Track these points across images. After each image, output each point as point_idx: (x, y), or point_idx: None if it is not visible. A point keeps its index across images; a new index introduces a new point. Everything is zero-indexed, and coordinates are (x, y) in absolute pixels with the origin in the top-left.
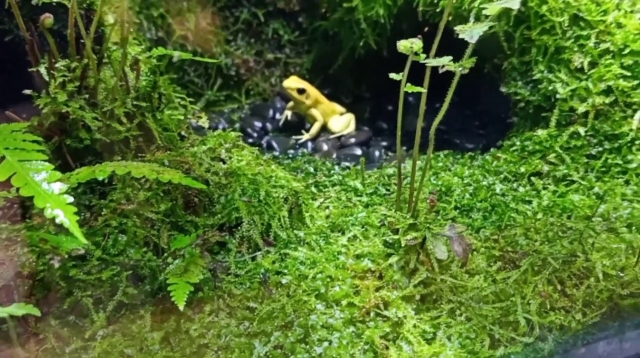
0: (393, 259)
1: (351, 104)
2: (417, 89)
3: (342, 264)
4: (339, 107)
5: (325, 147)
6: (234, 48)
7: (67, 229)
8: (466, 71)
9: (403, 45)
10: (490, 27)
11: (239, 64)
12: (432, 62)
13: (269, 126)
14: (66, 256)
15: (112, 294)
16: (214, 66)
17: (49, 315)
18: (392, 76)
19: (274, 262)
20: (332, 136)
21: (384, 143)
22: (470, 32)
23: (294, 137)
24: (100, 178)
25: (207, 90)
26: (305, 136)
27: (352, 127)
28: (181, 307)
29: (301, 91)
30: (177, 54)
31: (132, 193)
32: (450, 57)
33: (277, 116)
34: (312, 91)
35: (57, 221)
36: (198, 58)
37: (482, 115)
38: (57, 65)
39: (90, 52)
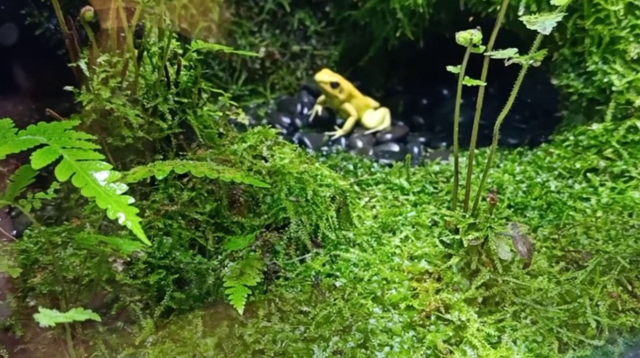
0: (453, 260)
1: (383, 98)
2: (477, 82)
3: (397, 266)
4: (372, 102)
5: (360, 143)
6: (259, 40)
7: (113, 230)
8: (538, 64)
9: (462, 36)
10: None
11: (264, 56)
12: (497, 54)
13: (297, 121)
14: (128, 259)
15: (159, 299)
16: (238, 58)
17: (95, 321)
18: (450, 68)
19: (324, 264)
20: (366, 132)
21: (422, 139)
22: (543, 24)
23: (327, 133)
24: (159, 178)
25: (231, 84)
26: (339, 132)
27: (387, 122)
28: (241, 311)
29: (335, 85)
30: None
31: (175, 194)
32: (516, 50)
33: (305, 111)
34: (346, 85)
35: (120, 222)
36: (241, 52)
37: (523, 108)
38: (99, 60)
39: (132, 46)
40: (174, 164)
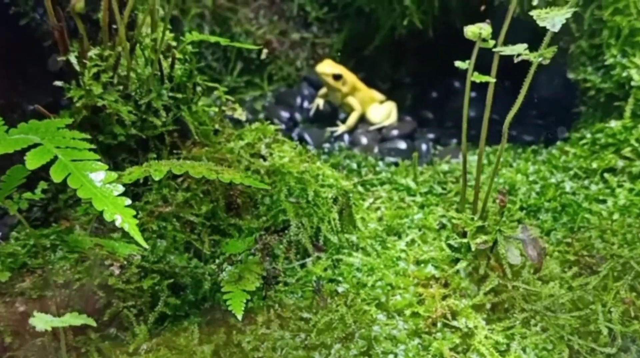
0: (461, 265)
1: (389, 90)
2: (486, 78)
3: (402, 271)
4: (378, 95)
5: (364, 140)
6: (256, 27)
7: (104, 233)
8: (547, 62)
9: (471, 31)
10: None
11: (261, 45)
12: (506, 50)
13: (297, 116)
14: (125, 263)
15: (153, 305)
16: (233, 48)
17: (87, 327)
18: (458, 64)
19: (326, 269)
20: (371, 128)
21: (431, 135)
22: (552, 20)
23: (329, 129)
24: (156, 178)
25: (226, 75)
26: (342, 128)
27: (393, 117)
28: (240, 317)
29: (337, 77)
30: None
31: (169, 194)
32: (526, 46)
33: (306, 104)
34: (349, 77)
35: (117, 224)
36: (238, 44)
37: (540, 103)
38: (90, 54)
39: (124, 38)
40: (171, 164)
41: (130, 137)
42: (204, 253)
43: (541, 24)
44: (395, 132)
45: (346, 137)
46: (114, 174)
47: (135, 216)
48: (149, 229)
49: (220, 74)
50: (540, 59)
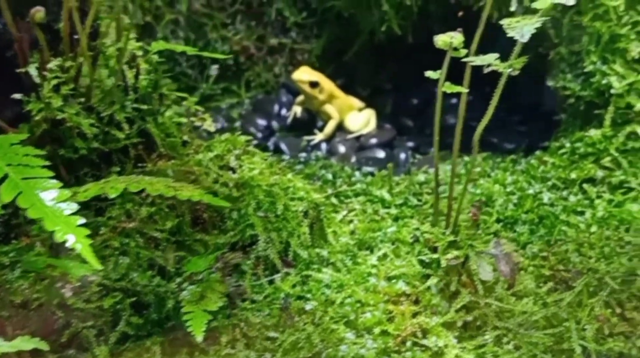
0: (431, 281)
1: (369, 97)
2: (457, 88)
3: (373, 287)
4: (357, 102)
5: (342, 149)
6: (232, 33)
7: (67, 252)
8: (516, 73)
9: (441, 40)
10: None
11: (238, 51)
12: (476, 61)
13: (274, 124)
14: (78, 284)
15: (115, 324)
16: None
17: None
18: (429, 74)
19: (294, 285)
20: (349, 136)
21: (410, 143)
22: (521, 30)
23: (305, 137)
24: (112, 196)
25: (201, 83)
26: (319, 136)
27: (372, 125)
28: (200, 338)
29: (314, 84)
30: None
31: (133, 209)
32: (497, 55)
33: (284, 112)
34: (327, 84)
35: (68, 245)
36: (206, 53)
37: (523, 109)
38: (50, 65)
39: (85, 49)
40: (128, 180)
41: (93, 150)
42: (168, 270)
43: (510, 34)
44: (373, 140)
45: (324, 146)
46: (67, 193)
47: (89, 236)
48: (111, 246)
49: (196, 82)
50: (509, 69)
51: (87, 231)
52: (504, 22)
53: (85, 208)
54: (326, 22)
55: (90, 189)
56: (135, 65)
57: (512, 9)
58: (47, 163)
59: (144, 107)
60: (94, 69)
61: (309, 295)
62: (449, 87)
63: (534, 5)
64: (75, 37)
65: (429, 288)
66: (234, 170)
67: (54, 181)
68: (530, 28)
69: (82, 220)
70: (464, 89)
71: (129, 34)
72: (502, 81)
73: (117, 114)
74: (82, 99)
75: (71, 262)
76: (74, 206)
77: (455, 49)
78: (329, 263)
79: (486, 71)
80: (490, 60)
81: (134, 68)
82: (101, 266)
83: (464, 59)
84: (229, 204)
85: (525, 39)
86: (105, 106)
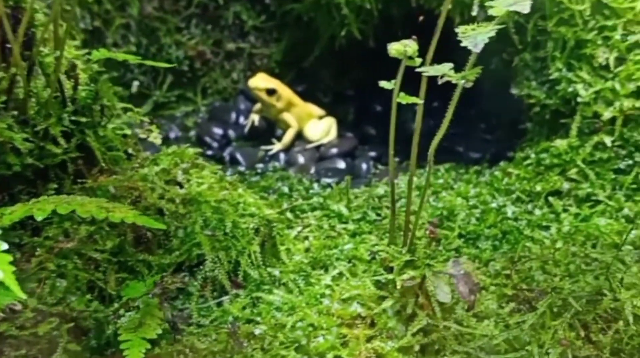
0: (387, 303)
1: (331, 104)
2: (413, 99)
3: (326, 309)
4: (316, 110)
5: (301, 159)
6: (187, 37)
7: None
8: (470, 84)
9: (395, 49)
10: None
11: (194, 56)
12: (430, 71)
13: (231, 133)
14: (1, 314)
15: (51, 352)
16: (162, 59)
17: None
18: (383, 84)
19: (244, 308)
20: (309, 146)
21: (373, 153)
22: (474, 39)
23: (262, 147)
24: (38, 218)
25: (154, 90)
26: (277, 146)
27: (333, 134)
28: None
29: (271, 92)
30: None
31: (71, 228)
32: (451, 66)
33: (241, 120)
34: (284, 91)
35: None
36: (150, 62)
37: (489, 116)
38: None
39: (19, 59)
40: (58, 201)
41: (27, 167)
42: (109, 293)
43: (463, 43)
44: (334, 150)
45: (282, 156)
46: None
47: (12, 263)
48: (47, 268)
49: (149, 89)
50: (463, 81)
51: (10, 258)
52: (459, 30)
53: (21, 227)
54: (286, 26)
55: (16, 212)
56: (74, 75)
57: (474, 13)
58: None
59: (83, 119)
60: (29, 79)
61: (258, 318)
62: (404, 98)
63: (490, 12)
64: (7, 46)
65: (384, 310)
66: (181, 185)
67: None
68: (484, 37)
69: (5, 246)
70: (419, 100)
71: (63, 41)
72: (457, 93)
73: (53, 128)
74: (16, 112)
75: None
76: None
77: (410, 57)
78: (280, 283)
79: (440, 82)
80: (444, 70)
81: (72, 78)
82: (24, 296)
83: (418, 69)
84: (164, 226)
85: (478, 49)
86: (40, 119)
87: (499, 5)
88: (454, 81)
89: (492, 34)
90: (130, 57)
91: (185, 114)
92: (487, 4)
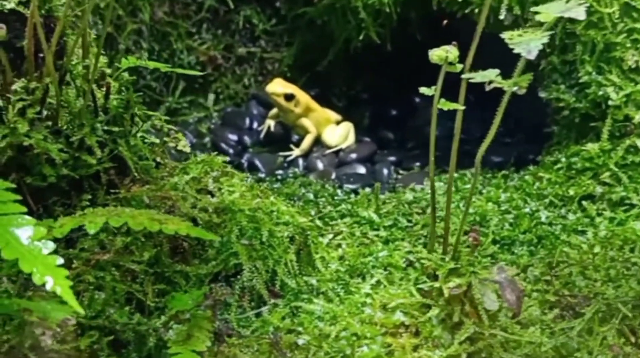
0: (432, 312)
1: (345, 108)
2: (454, 105)
3: (368, 318)
4: (334, 115)
5: (320, 165)
6: (198, 42)
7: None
8: (523, 91)
9: (436, 55)
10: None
11: (205, 61)
12: (477, 77)
13: (247, 139)
14: (58, 329)
15: None
16: (175, 64)
17: None
18: (423, 90)
19: (284, 318)
20: (328, 151)
21: (392, 158)
22: (527, 45)
23: (281, 154)
24: (91, 232)
25: (167, 96)
26: (296, 152)
27: (351, 139)
28: None
29: (289, 97)
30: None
31: (107, 240)
32: (498, 71)
33: (255, 125)
34: (302, 97)
35: (48, 288)
36: (180, 70)
37: (508, 119)
38: (14, 87)
39: (52, 68)
40: (108, 213)
41: (62, 178)
42: (148, 304)
43: (515, 50)
44: (353, 155)
45: (300, 162)
46: (43, 230)
47: (68, 277)
48: (85, 280)
49: (161, 95)
50: (515, 88)
51: (66, 272)
52: (505, 35)
53: (55, 239)
54: (297, 30)
55: (66, 225)
56: (105, 84)
57: (501, 17)
58: (19, 197)
59: (116, 129)
60: (62, 89)
61: (300, 328)
62: (445, 104)
63: (538, 18)
64: (41, 55)
65: (429, 318)
66: (212, 194)
67: (28, 217)
68: (538, 44)
69: (61, 260)
70: (459, 106)
71: (99, 50)
72: (505, 99)
73: (88, 138)
74: (50, 123)
75: (48, 304)
76: (51, 245)
77: (451, 63)
78: (319, 292)
79: (488, 88)
80: (491, 76)
81: (103, 87)
82: (83, 311)
83: (464, 76)
84: (218, 237)
85: (533, 55)
86: (74, 129)
87: (550, 11)
88: (504, 88)
89: (546, 39)
90: (162, 65)
91: (198, 120)
92: (533, 9)
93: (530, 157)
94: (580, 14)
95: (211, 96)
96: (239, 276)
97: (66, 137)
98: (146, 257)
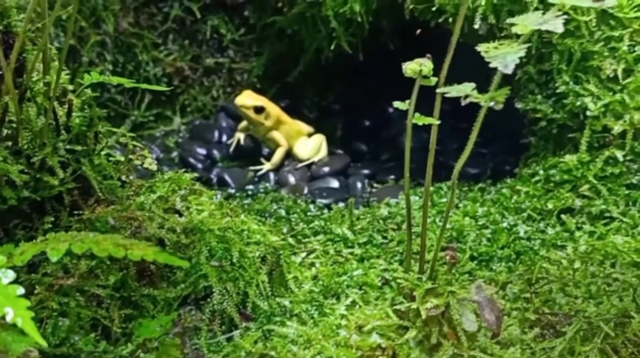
0: (410, 334)
1: (317, 119)
2: (429, 120)
3: (344, 341)
4: (305, 127)
5: (292, 179)
6: (165, 54)
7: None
8: (500, 106)
9: (410, 68)
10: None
11: (172, 73)
12: (452, 91)
13: (216, 153)
14: None
15: None
16: (140, 77)
17: None
18: (397, 104)
19: (256, 342)
20: (299, 165)
21: (366, 171)
22: (504, 60)
23: (251, 168)
24: (53, 260)
25: (132, 109)
26: (267, 166)
27: (323, 151)
28: None
29: (259, 110)
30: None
31: (71, 263)
32: (474, 85)
33: (224, 138)
34: (273, 109)
35: (8, 320)
36: (145, 85)
37: (484, 129)
38: None
39: (11, 86)
40: (71, 239)
41: (23, 200)
42: (114, 331)
43: (492, 64)
44: (326, 169)
45: (272, 176)
46: (2, 258)
47: (29, 308)
48: (48, 307)
49: (127, 108)
50: (491, 103)
51: (28, 303)
52: (480, 48)
53: (15, 267)
54: (267, 39)
55: (27, 251)
56: (67, 101)
57: (476, 26)
58: None
59: (79, 148)
60: (22, 108)
61: (273, 353)
62: (420, 119)
63: (515, 29)
64: None
65: (406, 341)
66: (180, 213)
67: None
68: (515, 57)
69: (21, 290)
70: (435, 121)
71: (60, 65)
72: (482, 114)
73: (50, 158)
74: (9, 143)
75: (9, 335)
76: (11, 275)
77: (425, 76)
78: (292, 314)
79: (464, 103)
80: (467, 90)
81: (65, 104)
82: (46, 343)
83: (439, 90)
84: (188, 263)
85: (510, 70)
86: (35, 149)
87: (526, 23)
88: (481, 103)
89: (522, 53)
90: (125, 80)
91: (165, 134)
92: (509, 20)
93: (507, 168)
94: (558, 26)
95: (177, 119)
96: (209, 299)
97: (27, 157)
98: (112, 281)
